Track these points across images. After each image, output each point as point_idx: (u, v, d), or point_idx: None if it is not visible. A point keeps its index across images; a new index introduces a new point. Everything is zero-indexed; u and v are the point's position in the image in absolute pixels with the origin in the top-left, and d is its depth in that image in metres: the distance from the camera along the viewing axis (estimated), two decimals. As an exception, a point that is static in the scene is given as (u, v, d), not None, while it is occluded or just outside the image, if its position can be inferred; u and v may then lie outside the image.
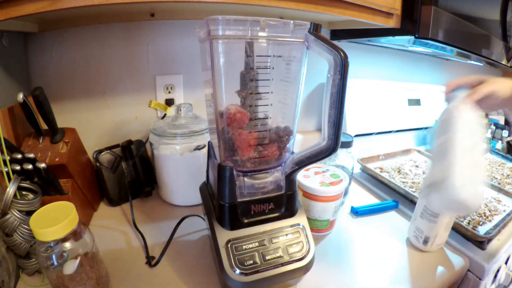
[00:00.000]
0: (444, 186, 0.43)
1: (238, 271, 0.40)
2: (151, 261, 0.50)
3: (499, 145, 1.24)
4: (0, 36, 0.50)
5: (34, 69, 0.62)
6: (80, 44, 0.65)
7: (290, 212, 0.46)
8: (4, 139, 0.40)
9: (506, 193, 0.77)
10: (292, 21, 0.38)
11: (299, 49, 0.41)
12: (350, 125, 0.95)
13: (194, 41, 0.47)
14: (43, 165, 0.44)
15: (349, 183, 0.72)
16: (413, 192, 0.73)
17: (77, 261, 0.38)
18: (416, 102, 1.14)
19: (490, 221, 0.64)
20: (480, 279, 0.56)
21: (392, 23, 0.67)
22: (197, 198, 0.55)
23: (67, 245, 0.37)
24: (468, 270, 0.57)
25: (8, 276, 0.42)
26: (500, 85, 0.46)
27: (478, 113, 0.46)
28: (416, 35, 0.65)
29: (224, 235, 0.42)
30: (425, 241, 0.55)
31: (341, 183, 0.57)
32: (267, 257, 0.41)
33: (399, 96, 1.10)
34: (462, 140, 0.44)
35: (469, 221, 0.64)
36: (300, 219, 0.46)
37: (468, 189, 0.42)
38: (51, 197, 0.48)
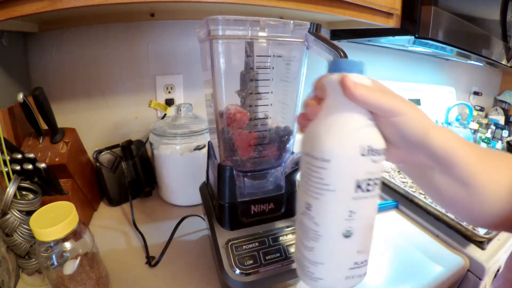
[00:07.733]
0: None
1: (238, 271, 0.40)
2: (151, 261, 0.50)
3: (499, 145, 1.24)
4: (0, 36, 0.50)
5: (34, 69, 0.62)
6: (80, 44, 0.65)
7: (290, 212, 0.46)
8: (4, 139, 0.40)
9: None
10: (292, 21, 0.38)
11: (299, 49, 0.41)
12: (350, 125, 0.95)
13: (194, 41, 0.47)
14: (43, 165, 0.43)
15: (349, 183, 0.71)
16: (413, 192, 0.73)
17: (77, 261, 0.38)
18: (416, 102, 1.14)
19: (490, 221, 0.64)
20: (480, 279, 0.56)
21: (392, 23, 0.67)
22: (197, 198, 0.55)
23: (67, 245, 0.37)
24: (468, 270, 0.57)
25: (8, 276, 0.42)
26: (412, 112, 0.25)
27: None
28: (416, 35, 0.65)
29: (224, 235, 0.42)
30: None
31: (341, 183, 0.57)
32: (267, 257, 0.41)
33: (399, 96, 1.10)
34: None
35: (469, 221, 0.64)
36: (300, 219, 0.46)
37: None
38: (51, 197, 0.48)
